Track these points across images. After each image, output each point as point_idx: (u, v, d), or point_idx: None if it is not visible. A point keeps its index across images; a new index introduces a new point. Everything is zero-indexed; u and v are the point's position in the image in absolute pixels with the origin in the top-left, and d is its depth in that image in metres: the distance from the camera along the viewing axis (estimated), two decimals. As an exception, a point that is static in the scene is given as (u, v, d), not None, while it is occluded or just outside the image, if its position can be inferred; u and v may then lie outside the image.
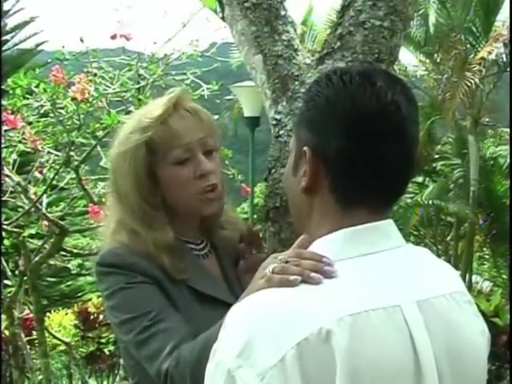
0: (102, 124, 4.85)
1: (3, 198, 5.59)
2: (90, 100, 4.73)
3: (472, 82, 12.61)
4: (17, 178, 5.19)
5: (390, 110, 1.14)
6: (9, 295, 6.85)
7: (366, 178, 1.14)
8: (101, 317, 10.09)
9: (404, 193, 1.23)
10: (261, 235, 2.03)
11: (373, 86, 1.14)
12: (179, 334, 1.59)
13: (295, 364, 1.02)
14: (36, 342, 7.43)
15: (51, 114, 5.04)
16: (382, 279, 1.13)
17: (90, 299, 12.12)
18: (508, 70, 12.97)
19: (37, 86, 4.77)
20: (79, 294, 18.52)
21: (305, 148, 1.18)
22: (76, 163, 5.17)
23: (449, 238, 16.63)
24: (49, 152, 5.26)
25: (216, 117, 4.29)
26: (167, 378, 1.56)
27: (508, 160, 13.46)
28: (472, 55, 13.21)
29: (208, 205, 1.76)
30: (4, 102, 5.05)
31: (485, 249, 16.35)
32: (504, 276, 13.82)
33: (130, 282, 1.67)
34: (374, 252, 1.14)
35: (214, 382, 1.07)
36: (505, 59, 13.52)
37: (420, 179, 16.30)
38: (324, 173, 1.16)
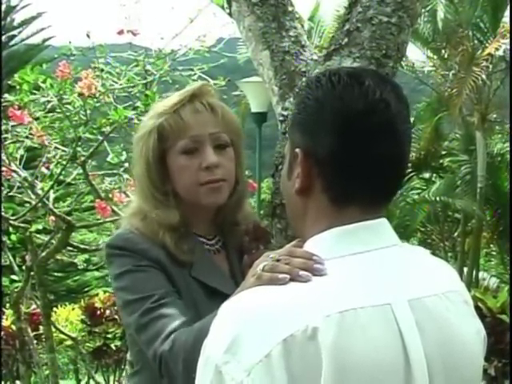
0: (108, 119, 4.85)
1: (10, 193, 5.61)
2: (97, 95, 4.74)
3: (479, 77, 12.58)
4: (24, 174, 5.20)
5: (378, 108, 1.13)
6: (16, 290, 6.86)
7: (357, 176, 1.14)
8: (107, 312, 10.11)
9: (398, 191, 1.23)
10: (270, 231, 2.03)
11: (361, 85, 1.14)
12: (179, 319, 1.62)
13: (281, 360, 1.02)
14: (43, 336, 7.45)
15: (58, 110, 5.04)
16: (373, 278, 1.12)
17: (97, 294, 12.11)
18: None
19: (44, 82, 4.77)
20: (86, 289, 18.61)
21: (296, 150, 1.18)
22: (83, 159, 5.17)
23: (456, 235, 16.62)
24: (56, 147, 5.27)
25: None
26: (162, 361, 1.59)
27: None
28: (479, 51, 13.18)
29: (208, 194, 1.77)
30: (11, 98, 5.06)
31: (492, 245, 16.33)
32: (511, 272, 13.79)
33: (137, 265, 1.71)
34: (365, 251, 1.14)
35: (203, 376, 1.08)
36: (512, 55, 13.48)
37: (427, 175, 16.30)
38: (316, 174, 1.16)
